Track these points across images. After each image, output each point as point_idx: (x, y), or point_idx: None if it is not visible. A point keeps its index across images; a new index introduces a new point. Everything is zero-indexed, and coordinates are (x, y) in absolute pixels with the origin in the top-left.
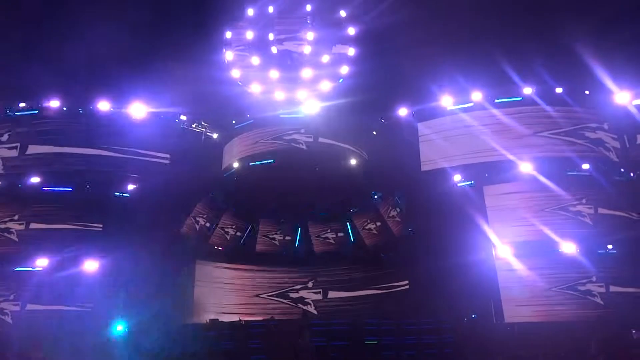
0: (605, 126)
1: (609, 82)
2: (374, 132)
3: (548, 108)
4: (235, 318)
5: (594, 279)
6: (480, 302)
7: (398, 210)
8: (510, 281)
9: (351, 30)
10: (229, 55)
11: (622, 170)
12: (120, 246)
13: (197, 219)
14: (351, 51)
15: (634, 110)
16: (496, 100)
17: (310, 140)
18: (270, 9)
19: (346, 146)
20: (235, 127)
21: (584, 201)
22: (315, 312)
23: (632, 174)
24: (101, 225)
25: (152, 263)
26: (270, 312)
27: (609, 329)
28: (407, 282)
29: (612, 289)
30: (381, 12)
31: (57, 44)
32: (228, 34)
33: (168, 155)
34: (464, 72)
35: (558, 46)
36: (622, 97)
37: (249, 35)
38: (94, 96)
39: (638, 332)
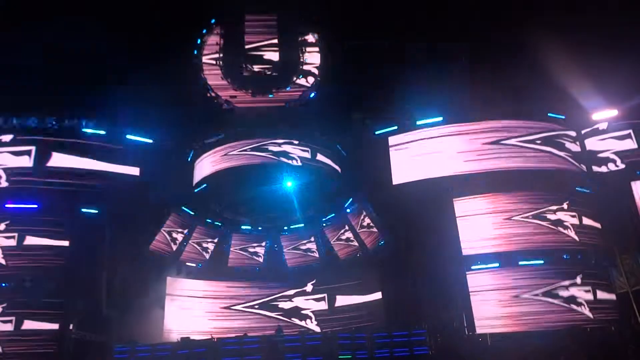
0: (573, 137)
1: (581, 99)
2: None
3: (514, 122)
4: (207, 335)
5: (561, 287)
6: (452, 314)
7: (371, 222)
8: (481, 292)
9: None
10: (201, 72)
11: (589, 180)
12: (88, 263)
13: (168, 234)
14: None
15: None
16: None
17: (282, 153)
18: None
19: (320, 161)
20: (206, 142)
21: (550, 211)
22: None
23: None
24: (67, 243)
25: (121, 280)
26: (243, 328)
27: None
28: (380, 293)
29: (580, 296)
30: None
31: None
32: (200, 52)
33: (138, 169)
34: (433, 89)
35: (529, 61)
36: (594, 113)
37: (220, 52)
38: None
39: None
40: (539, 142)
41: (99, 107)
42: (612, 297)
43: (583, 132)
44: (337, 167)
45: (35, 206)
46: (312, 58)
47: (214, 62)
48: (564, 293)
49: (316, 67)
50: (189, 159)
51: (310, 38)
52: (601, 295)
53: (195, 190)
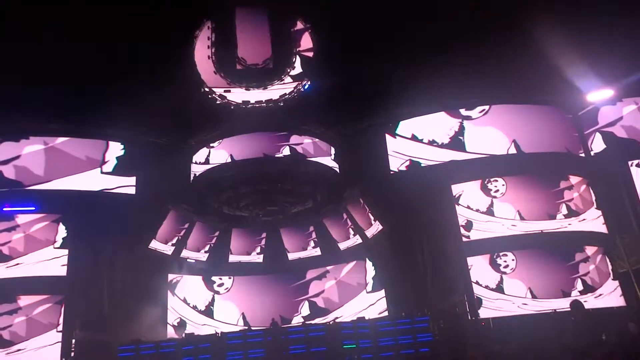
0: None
1: (575, 80)
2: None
3: (510, 105)
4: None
5: (561, 269)
6: (454, 299)
7: (370, 211)
8: (481, 276)
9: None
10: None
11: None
12: (87, 262)
13: (167, 232)
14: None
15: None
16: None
17: (278, 146)
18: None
19: (317, 151)
20: (202, 138)
21: (549, 193)
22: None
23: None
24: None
25: (121, 279)
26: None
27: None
28: (381, 282)
29: (580, 277)
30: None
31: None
32: (192, 48)
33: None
34: (431, 76)
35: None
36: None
37: (212, 47)
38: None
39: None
40: (534, 124)
41: (92, 107)
42: (613, 276)
43: (579, 113)
44: (335, 157)
45: (33, 208)
46: (306, 49)
47: (206, 57)
48: (563, 274)
49: (310, 58)
50: (186, 156)
51: (303, 29)
52: (602, 275)
53: (193, 187)
